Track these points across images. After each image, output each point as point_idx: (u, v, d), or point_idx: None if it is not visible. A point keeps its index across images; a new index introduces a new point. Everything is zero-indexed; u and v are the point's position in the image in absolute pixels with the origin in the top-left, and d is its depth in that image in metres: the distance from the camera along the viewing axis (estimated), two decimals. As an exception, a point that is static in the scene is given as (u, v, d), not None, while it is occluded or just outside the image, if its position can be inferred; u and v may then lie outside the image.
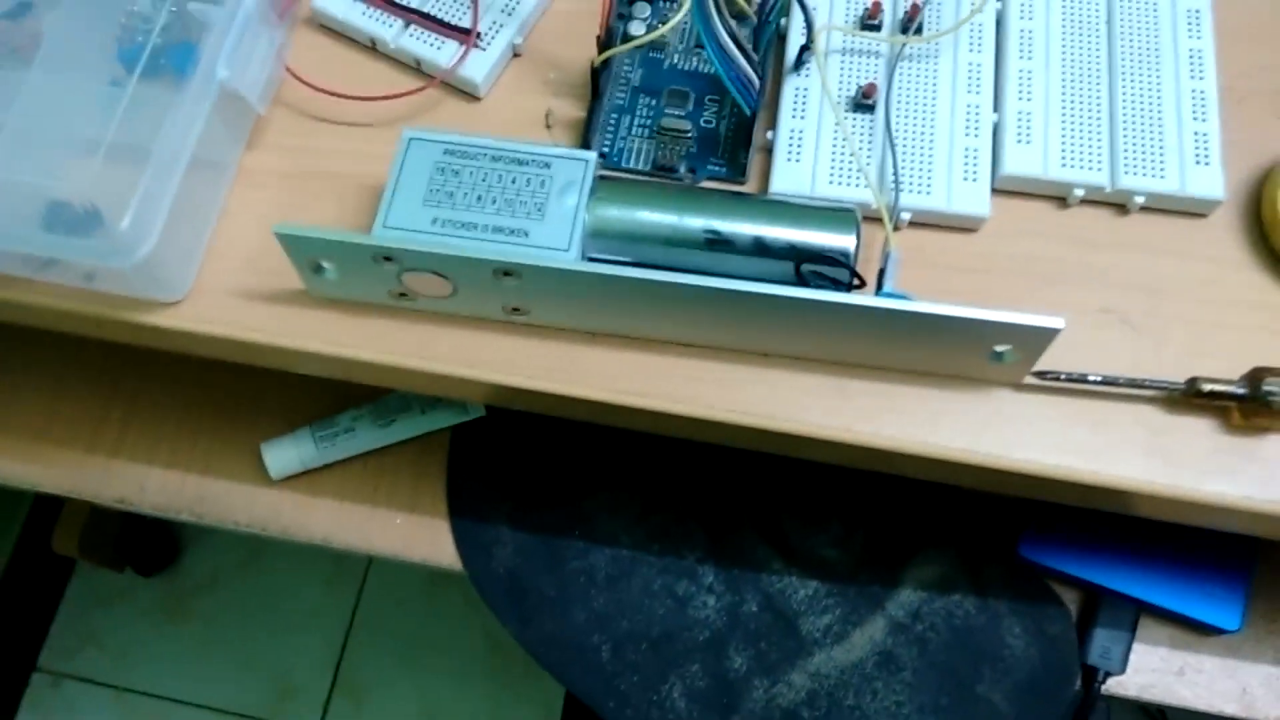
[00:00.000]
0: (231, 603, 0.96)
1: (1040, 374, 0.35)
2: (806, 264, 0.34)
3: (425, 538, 0.48)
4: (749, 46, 0.37)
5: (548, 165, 0.35)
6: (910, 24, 0.40)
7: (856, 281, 0.35)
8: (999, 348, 0.33)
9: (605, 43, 0.39)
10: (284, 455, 0.47)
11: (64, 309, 0.37)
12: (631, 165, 0.39)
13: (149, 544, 0.95)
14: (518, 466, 0.48)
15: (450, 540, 0.47)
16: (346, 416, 0.48)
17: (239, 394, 0.49)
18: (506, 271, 0.33)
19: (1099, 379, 0.35)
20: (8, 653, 0.94)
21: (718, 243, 0.35)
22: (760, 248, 0.35)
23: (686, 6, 0.36)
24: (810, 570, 0.46)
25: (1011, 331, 0.32)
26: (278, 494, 0.48)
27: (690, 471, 0.48)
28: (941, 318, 0.32)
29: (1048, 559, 0.45)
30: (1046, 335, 0.32)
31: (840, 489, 0.47)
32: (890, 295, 0.34)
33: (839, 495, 0.47)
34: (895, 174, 0.37)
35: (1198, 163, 0.38)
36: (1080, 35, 0.40)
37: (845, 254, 0.34)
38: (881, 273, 0.35)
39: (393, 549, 0.47)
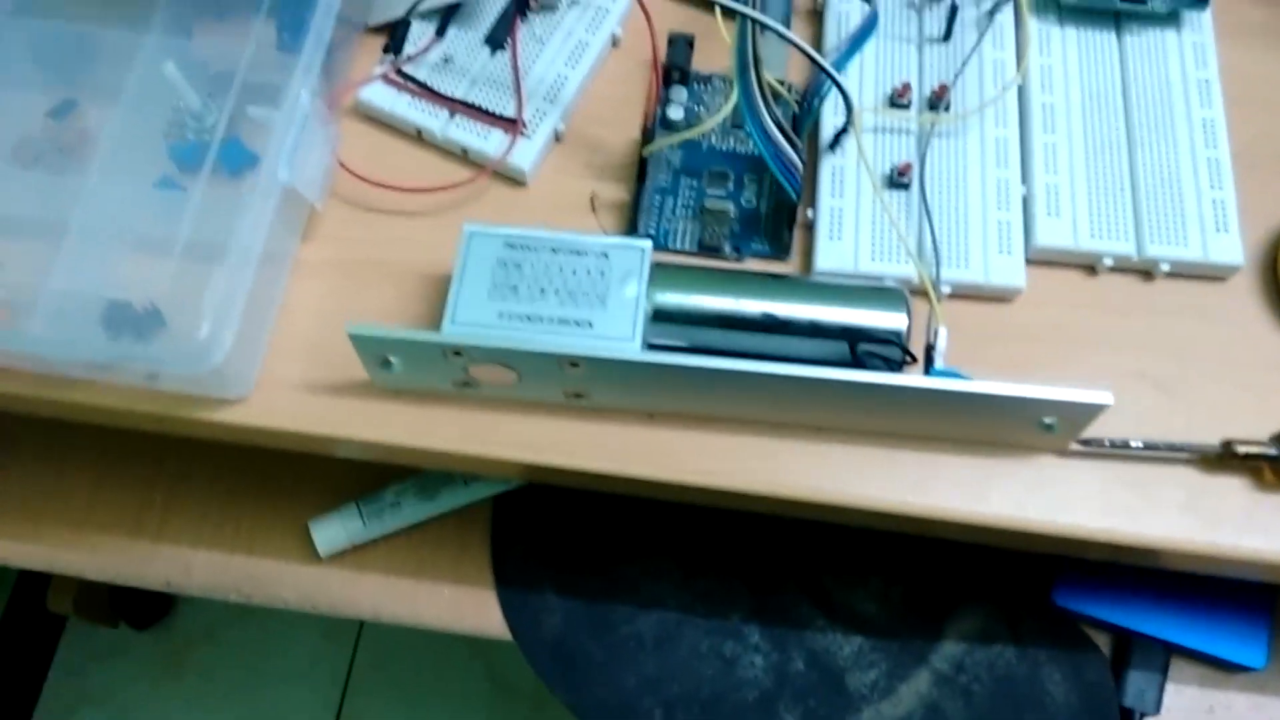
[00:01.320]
0: (228, 655, 0.95)
1: (1085, 441, 0.37)
2: (862, 344, 0.36)
3: (472, 608, 0.48)
4: (791, 132, 0.38)
5: (606, 255, 0.37)
6: (938, 103, 0.41)
7: (909, 358, 0.36)
8: (1047, 419, 0.35)
9: (649, 129, 0.40)
10: (332, 532, 0.48)
11: (127, 409, 0.38)
12: (678, 246, 0.40)
13: (143, 598, 0.94)
14: (560, 533, 0.49)
15: (497, 609, 0.48)
16: (391, 491, 0.49)
17: (281, 471, 0.50)
18: (573, 362, 0.35)
19: (1140, 445, 0.37)
20: (2, 713, 0.93)
21: (774, 326, 0.36)
22: (815, 329, 0.36)
23: (733, 99, 0.37)
24: (853, 626, 0.47)
25: (1061, 407, 0.34)
26: (324, 570, 0.48)
27: (730, 532, 0.49)
28: (995, 397, 0.34)
29: (1082, 606, 0.46)
30: (1095, 410, 0.34)
31: (878, 544, 0.48)
32: (942, 373, 0.36)
33: (877, 551, 0.48)
34: (935, 249, 0.39)
35: (1217, 230, 0.40)
36: (1099, 108, 0.42)
37: (898, 334, 0.36)
38: (930, 349, 0.37)
39: (441, 621, 0.48)
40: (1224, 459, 0.37)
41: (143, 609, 0.95)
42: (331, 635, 0.95)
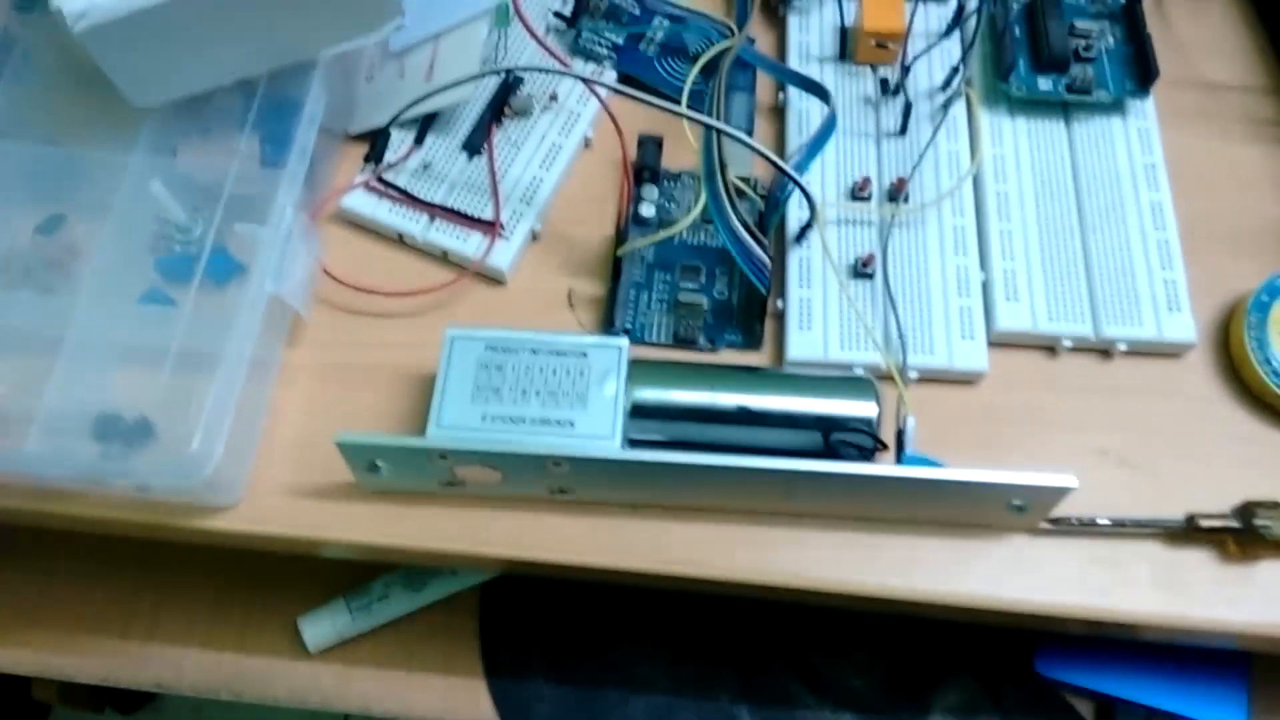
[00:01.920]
0: (216, 737, 0.94)
1: (1054, 520, 0.38)
2: (834, 432, 0.37)
3: (464, 699, 0.48)
4: (757, 230, 0.40)
5: (585, 355, 0.38)
6: (897, 195, 0.43)
7: (880, 445, 0.37)
8: (1017, 501, 0.36)
9: (622, 228, 0.42)
10: (321, 628, 0.48)
11: (118, 519, 0.38)
12: (653, 339, 0.42)
13: (129, 683, 0.93)
14: (549, 619, 0.50)
15: (488, 699, 0.48)
16: (379, 584, 0.49)
17: (270, 568, 0.50)
18: (556, 462, 0.36)
19: (1107, 522, 0.38)
20: (-10, 803, 0.91)
21: (750, 418, 0.37)
22: (789, 420, 0.37)
23: (701, 202, 0.39)
24: (841, 703, 0.47)
25: (1028, 490, 0.35)
26: (315, 666, 0.49)
27: (717, 613, 0.50)
28: (965, 484, 0.35)
29: (1064, 674, 0.47)
30: (1060, 492, 0.35)
31: (862, 621, 0.49)
32: (914, 460, 0.37)
33: (862, 627, 0.49)
34: (901, 336, 0.40)
35: (1169, 309, 0.42)
36: (1052, 195, 0.44)
37: (869, 423, 0.37)
38: (900, 434, 0.38)
39: (433, 712, 0.48)
40: (1189, 533, 0.38)
41: (128, 694, 0.93)
42: (319, 715, 0.93)
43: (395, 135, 0.45)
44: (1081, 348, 0.42)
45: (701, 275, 0.43)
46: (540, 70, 0.45)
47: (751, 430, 0.38)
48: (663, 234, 0.42)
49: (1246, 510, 0.38)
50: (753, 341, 0.42)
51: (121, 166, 0.41)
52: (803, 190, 0.38)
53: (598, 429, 0.37)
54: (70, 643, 0.49)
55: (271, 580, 0.50)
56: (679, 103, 0.41)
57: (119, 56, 0.39)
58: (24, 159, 0.43)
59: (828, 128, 0.40)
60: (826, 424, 0.37)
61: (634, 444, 0.38)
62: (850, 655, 0.48)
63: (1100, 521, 0.38)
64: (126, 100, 0.40)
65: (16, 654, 0.48)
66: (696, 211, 0.40)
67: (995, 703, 0.47)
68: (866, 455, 0.37)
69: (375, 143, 0.44)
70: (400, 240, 0.44)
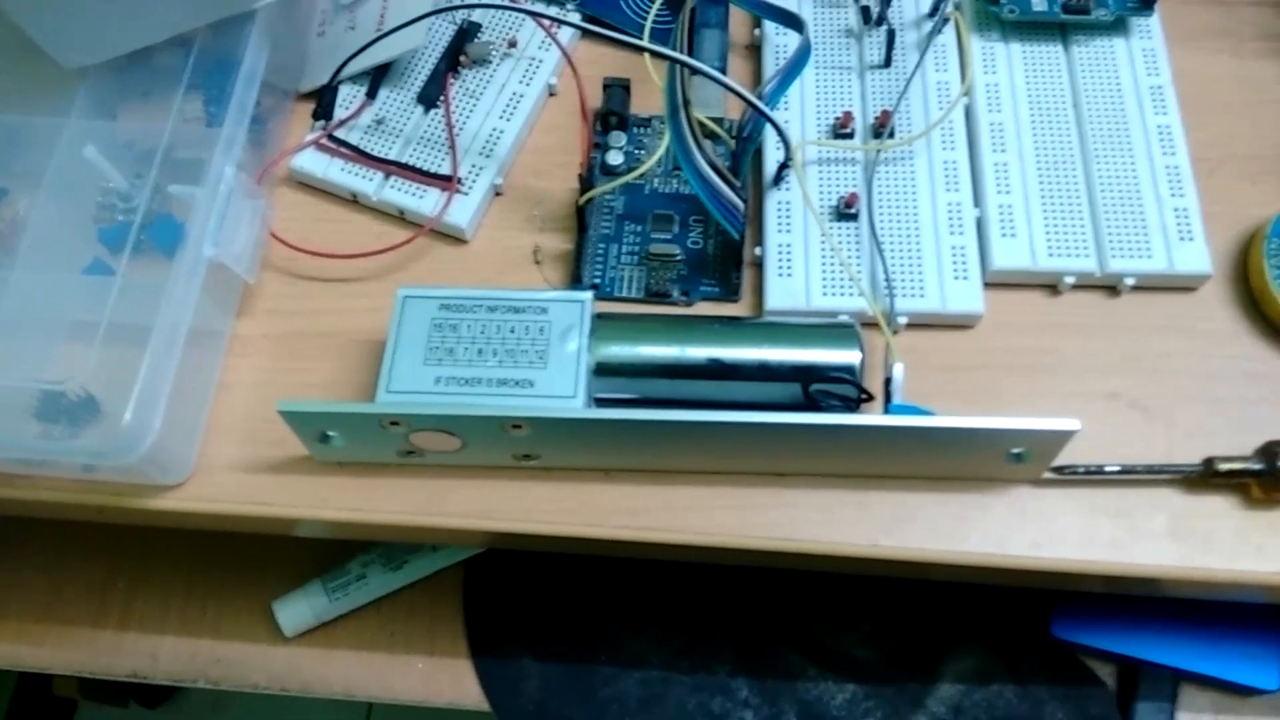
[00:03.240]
0: (239, 727, 0.93)
1: (1058, 469, 0.35)
2: (814, 384, 0.34)
3: (448, 680, 0.46)
4: (728, 172, 0.37)
5: (544, 310, 0.35)
6: (882, 130, 0.40)
7: (864, 396, 0.35)
8: (1016, 450, 0.33)
9: (587, 178, 0.39)
10: (296, 611, 0.46)
11: (64, 501, 0.36)
12: (624, 294, 0.39)
13: (151, 677, 0.93)
14: (535, 594, 0.48)
15: (474, 679, 0.46)
16: (356, 563, 0.47)
17: (244, 551, 0.48)
18: (515, 424, 0.33)
19: (1117, 469, 0.35)
20: (19, 801, 0.91)
21: (722, 371, 0.35)
22: (765, 371, 0.35)
23: (666, 141, 0.36)
24: (845, 673, 0.45)
25: (1028, 436, 0.32)
26: (294, 650, 0.47)
27: (711, 582, 0.47)
28: (957, 430, 0.32)
29: (1081, 637, 0.44)
30: (1063, 437, 0.32)
31: (866, 588, 0.46)
32: (901, 409, 0.34)
33: (866, 594, 0.46)
34: (887, 280, 0.37)
35: (1181, 239, 0.38)
36: (1050, 123, 0.41)
37: (851, 370, 0.34)
38: (888, 383, 0.35)
39: (415, 695, 0.46)
40: (1207, 478, 0.35)
41: (151, 687, 0.93)
42: (343, 702, 0.92)
43: (346, 90, 0.42)
44: (1085, 284, 0.39)
45: (674, 225, 0.40)
46: (495, 6, 0.42)
47: (725, 385, 0.35)
48: (628, 176, 0.39)
49: (1269, 451, 0.34)
50: (730, 292, 0.39)
51: (59, 132, 0.39)
52: (772, 123, 0.35)
53: (559, 388, 0.34)
54: (43, 633, 0.47)
55: (246, 563, 0.48)
56: (640, 39, 0.38)
57: (41, 15, 0.37)
58: (-36, 130, 0.41)
59: (801, 56, 0.37)
60: (806, 374, 0.34)
61: (600, 403, 0.35)
62: (855, 625, 0.46)
63: (1109, 469, 0.35)
64: (56, 61, 0.38)
65: (-14, 646, 0.47)
66: (660, 151, 0.37)
67: (1010, 669, 0.44)
68: (850, 406, 0.35)
69: (323, 99, 0.42)
70: (354, 200, 0.41)
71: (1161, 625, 0.45)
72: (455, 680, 0.46)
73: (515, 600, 0.48)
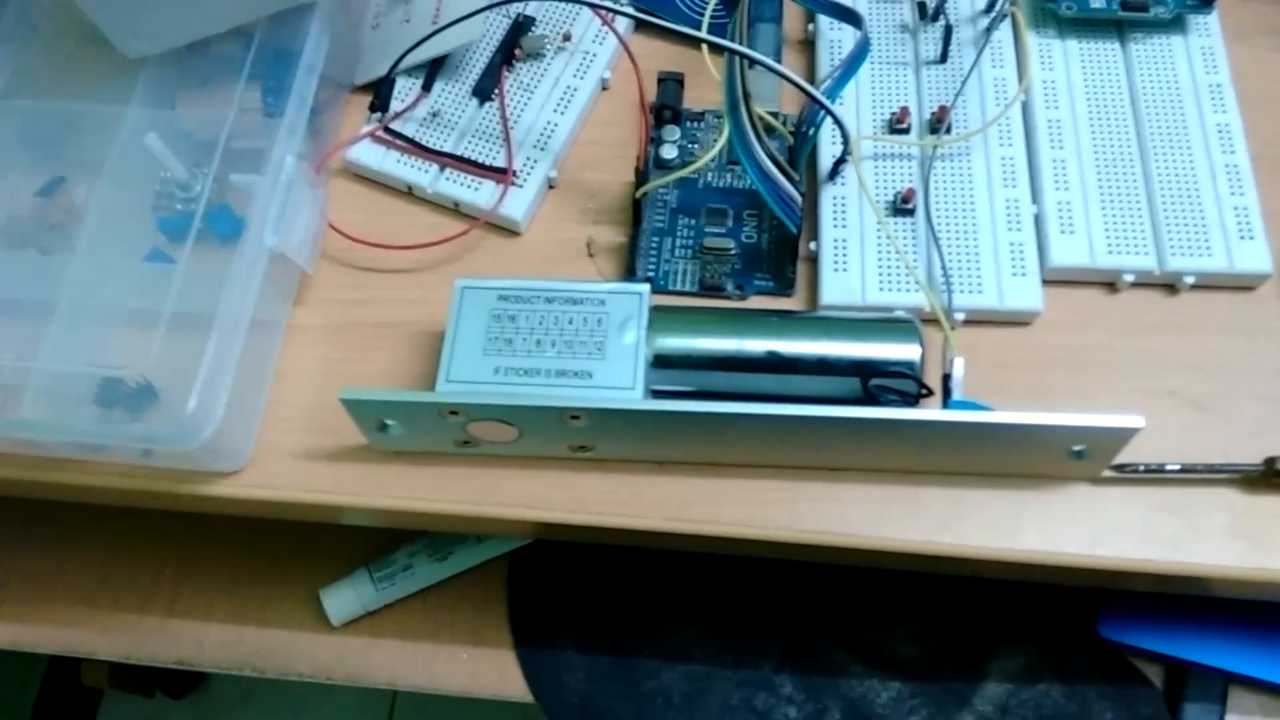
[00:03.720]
0: (265, 717, 0.93)
1: (1118, 467, 0.35)
2: (874, 378, 0.34)
3: (492, 671, 0.47)
4: (787, 165, 0.37)
5: (603, 302, 0.35)
6: (939, 125, 0.40)
7: (924, 391, 0.34)
8: (1077, 447, 0.33)
9: (642, 170, 0.39)
10: (343, 600, 0.46)
11: (121, 488, 0.37)
12: (678, 287, 0.39)
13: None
14: (580, 587, 0.48)
15: (518, 671, 0.46)
16: (403, 553, 0.47)
17: (291, 537, 0.49)
18: (573, 415, 0.33)
19: (1177, 467, 0.35)
20: (45, 790, 0.92)
21: (780, 365, 0.35)
22: (823, 366, 0.35)
23: (725, 135, 0.36)
24: (890, 671, 0.45)
25: (1091, 433, 0.32)
26: (339, 640, 0.47)
27: (757, 577, 0.47)
28: (1020, 426, 0.32)
29: (1129, 637, 0.44)
30: (1126, 434, 0.32)
31: (912, 585, 0.46)
32: (961, 405, 0.34)
33: (912, 591, 0.46)
34: (945, 275, 0.37)
35: (1242, 237, 0.38)
36: (1108, 120, 0.41)
37: (911, 366, 0.34)
38: (947, 379, 0.35)
39: (460, 686, 0.46)
40: (1268, 478, 0.35)
41: (177, 677, 0.94)
42: (367, 692, 0.93)
43: (402, 83, 0.42)
44: (1144, 282, 0.38)
45: (728, 219, 0.40)
46: None
47: (783, 378, 0.35)
48: (685, 170, 0.39)
49: (1333, 452, 0.34)
50: (784, 286, 0.39)
51: (119, 120, 0.40)
52: (834, 117, 0.35)
53: (618, 380, 0.34)
54: (90, 619, 0.48)
55: (293, 551, 0.49)
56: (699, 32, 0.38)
57: (108, 4, 0.37)
58: (23, 120, 0.41)
59: (860, 51, 0.37)
60: (865, 369, 0.34)
61: (657, 395, 0.35)
62: (901, 622, 0.46)
63: (1169, 467, 0.35)
64: (118, 50, 0.38)
65: (36, 632, 0.48)
66: (719, 145, 0.37)
67: (1057, 669, 0.44)
68: (909, 402, 0.35)
69: (380, 91, 0.42)
70: (409, 192, 0.42)
71: (1210, 626, 0.44)
72: (499, 672, 0.47)
73: (559, 593, 0.48)
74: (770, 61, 0.35)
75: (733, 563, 0.48)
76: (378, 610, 0.47)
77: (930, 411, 0.32)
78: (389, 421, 0.35)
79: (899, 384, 0.34)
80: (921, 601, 0.46)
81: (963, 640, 0.45)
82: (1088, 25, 0.42)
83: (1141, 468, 0.35)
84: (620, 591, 0.48)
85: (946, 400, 0.35)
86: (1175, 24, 0.42)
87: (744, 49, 0.35)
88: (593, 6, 0.41)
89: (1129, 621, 0.44)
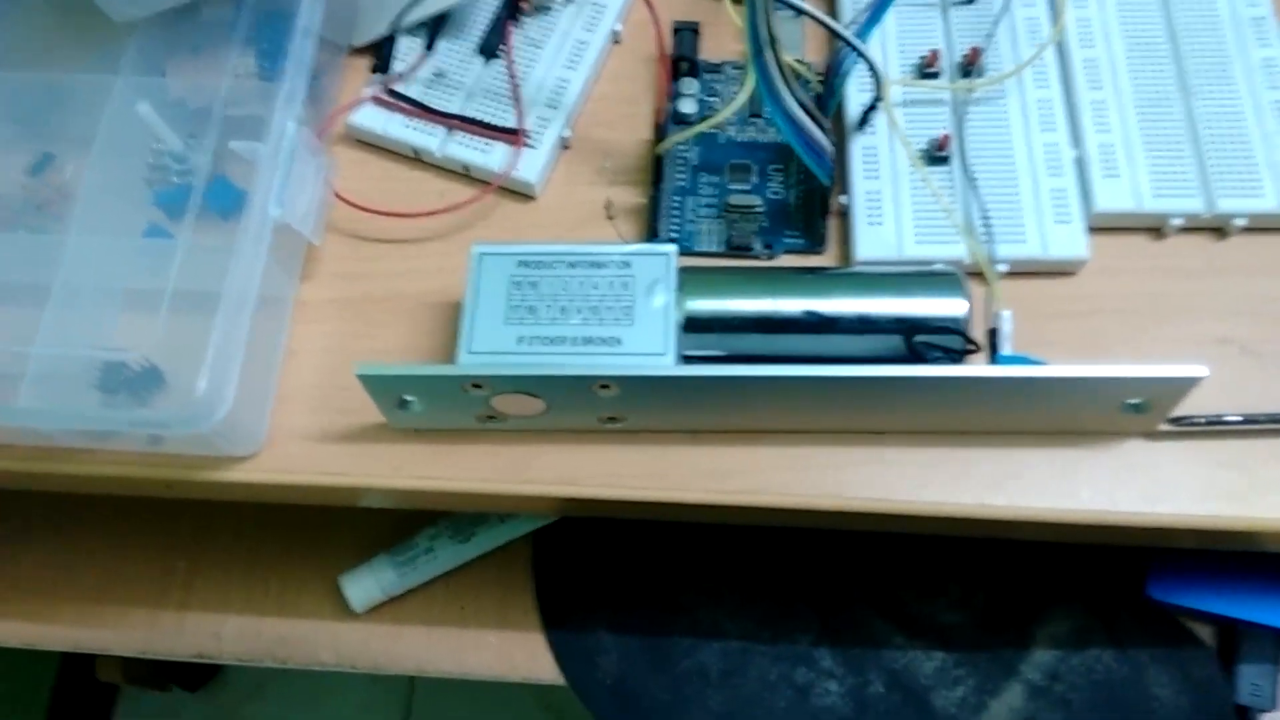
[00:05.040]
0: (281, 708, 0.93)
1: (1175, 420, 0.33)
2: (918, 335, 0.32)
3: (522, 654, 0.45)
4: (818, 113, 0.35)
5: (628, 264, 0.34)
6: (971, 68, 0.38)
7: (971, 347, 0.33)
8: (1134, 400, 0.32)
9: (661, 126, 0.37)
10: (364, 586, 0.45)
11: (130, 476, 0.35)
12: (704, 248, 0.37)
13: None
14: (607, 565, 0.46)
15: (549, 653, 0.45)
16: (424, 536, 0.46)
17: (307, 522, 0.47)
18: (603, 384, 0.32)
19: (1238, 419, 0.33)
20: (63, 784, 0.91)
21: (819, 324, 0.33)
22: (864, 324, 0.33)
23: (750, 83, 0.34)
24: (933, 640, 0.43)
25: (1150, 385, 0.31)
26: (362, 627, 0.46)
27: (789, 549, 0.46)
28: (1076, 380, 0.30)
29: (1179, 597, 0.43)
30: (1187, 385, 0.31)
31: (952, 549, 0.45)
32: (1010, 359, 0.32)
33: (952, 556, 0.44)
34: (986, 225, 0.35)
35: (1294, 175, 0.36)
36: (1146, 58, 0.39)
37: (958, 322, 0.32)
38: (994, 334, 0.33)
39: (489, 670, 0.45)
40: (1332, 426, 0.33)
41: (193, 670, 0.93)
42: (384, 682, 0.92)
43: (403, 42, 0.40)
44: (1193, 226, 0.37)
45: (753, 174, 0.38)
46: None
47: (822, 338, 0.33)
48: (708, 123, 0.37)
49: (1404, 395, 0.32)
50: (815, 243, 0.37)
51: (107, 90, 0.37)
52: (865, 57, 0.33)
53: (648, 345, 0.32)
54: (102, 615, 0.46)
55: (310, 535, 0.47)
56: (717, -23, 0.36)
57: (91, -35, 0.35)
58: (6, 93, 0.39)
59: (889, -10, 0.35)
60: (909, 326, 0.33)
61: (689, 360, 0.34)
62: (942, 588, 0.44)
63: (1229, 418, 0.33)
64: (105, 14, 0.36)
65: (46, 630, 0.46)
66: (743, 96, 0.35)
67: (1106, 631, 0.43)
68: (956, 359, 0.33)
69: (380, 52, 0.40)
70: (416, 157, 0.40)
71: (1262, 584, 0.43)
72: (530, 655, 0.45)
73: (586, 571, 0.46)
74: (803, 4, 0.33)
75: (763, 529, 0.46)
76: (400, 596, 0.46)
77: (982, 368, 0.31)
78: (409, 397, 0.33)
79: (945, 340, 0.33)
80: (962, 565, 0.45)
81: (1007, 605, 0.44)
82: (1122, -42, 0.40)
83: (1201, 420, 0.33)
84: (648, 566, 0.46)
85: (994, 356, 0.33)
86: (1214, -46, 0.40)
87: (768, -12, 0.33)
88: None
89: (1179, 581, 0.43)
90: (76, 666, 0.92)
